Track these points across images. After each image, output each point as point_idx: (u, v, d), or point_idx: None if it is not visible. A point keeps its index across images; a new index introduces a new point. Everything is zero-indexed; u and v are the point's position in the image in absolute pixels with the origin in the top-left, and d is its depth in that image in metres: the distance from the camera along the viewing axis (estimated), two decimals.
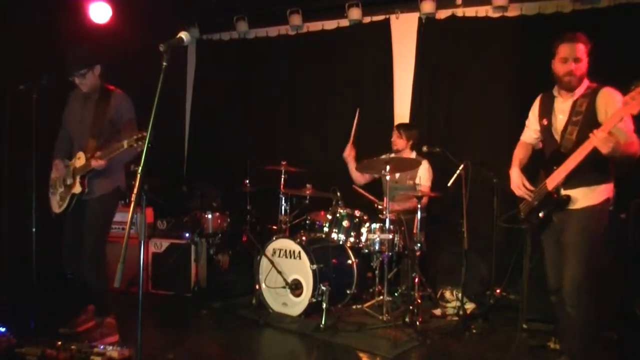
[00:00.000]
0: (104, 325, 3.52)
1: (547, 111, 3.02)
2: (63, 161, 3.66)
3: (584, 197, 2.82)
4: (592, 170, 2.77)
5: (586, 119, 2.80)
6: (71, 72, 3.54)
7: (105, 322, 3.54)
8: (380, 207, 4.43)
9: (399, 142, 4.86)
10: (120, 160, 3.56)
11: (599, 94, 2.80)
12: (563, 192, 2.85)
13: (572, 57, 2.82)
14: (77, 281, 3.71)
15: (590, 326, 2.84)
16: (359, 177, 5.05)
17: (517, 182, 3.06)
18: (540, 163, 3.07)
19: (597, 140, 2.58)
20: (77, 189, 3.51)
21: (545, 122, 3.02)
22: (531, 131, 3.21)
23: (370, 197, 4.69)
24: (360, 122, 4.92)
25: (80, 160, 3.53)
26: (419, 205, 4.24)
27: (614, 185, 2.90)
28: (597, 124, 2.72)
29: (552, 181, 2.87)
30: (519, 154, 3.22)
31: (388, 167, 4.14)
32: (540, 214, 2.96)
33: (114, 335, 3.50)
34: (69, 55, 3.54)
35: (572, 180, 2.81)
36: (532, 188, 3.00)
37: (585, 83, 2.89)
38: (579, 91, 2.88)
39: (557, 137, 2.94)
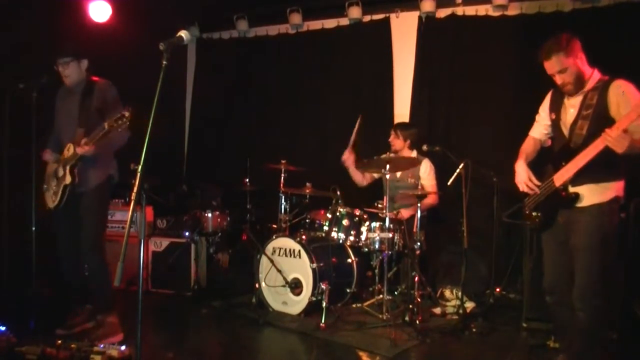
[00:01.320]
0: (105, 325, 3.48)
1: (557, 105, 2.93)
2: (53, 154, 3.66)
3: (591, 195, 2.71)
4: (602, 167, 2.63)
5: (597, 113, 2.68)
6: (55, 58, 3.53)
7: (107, 321, 3.50)
8: (382, 209, 4.40)
9: (396, 142, 4.85)
10: (111, 146, 3.53)
11: (611, 87, 2.68)
12: (571, 189, 2.75)
13: (555, 71, 2.75)
14: (73, 281, 3.71)
15: (597, 328, 2.78)
16: (360, 179, 5.02)
17: (523, 176, 2.94)
18: (547, 159, 2.96)
19: (612, 139, 2.46)
20: (68, 179, 3.48)
21: (553, 116, 2.93)
22: (541, 126, 3.10)
23: (376, 210, 4.63)
24: (362, 126, 4.87)
25: (69, 150, 3.52)
26: (419, 204, 4.23)
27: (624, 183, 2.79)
28: (608, 118, 2.62)
29: (560, 177, 2.76)
30: (526, 149, 3.11)
31: (388, 166, 4.14)
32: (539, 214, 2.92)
33: (118, 335, 3.45)
34: (58, 43, 3.55)
35: (580, 176, 2.70)
36: (538, 183, 2.90)
37: (596, 76, 2.77)
38: (589, 85, 2.76)
39: (566, 131, 2.83)
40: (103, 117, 3.46)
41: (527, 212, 3.01)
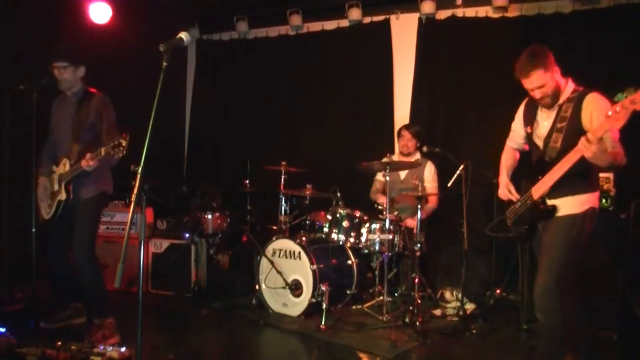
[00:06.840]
0: (105, 327, 3.49)
1: (531, 117, 2.95)
2: (48, 169, 3.64)
3: (568, 206, 2.75)
4: (577, 179, 2.69)
5: (571, 126, 2.70)
6: (52, 60, 3.51)
7: (106, 323, 3.51)
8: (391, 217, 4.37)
9: (411, 144, 4.85)
10: (105, 165, 3.49)
11: (585, 100, 2.69)
12: (548, 202, 2.79)
13: (534, 86, 2.74)
14: (64, 281, 3.73)
15: (555, 334, 2.73)
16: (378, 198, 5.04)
17: (504, 190, 3.05)
18: (526, 169, 3.03)
19: (587, 147, 2.40)
20: (63, 195, 3.49)
21: (529, 129, 2.96)
22: (516, 136, 3.16)
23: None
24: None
25: (65, 166, 3.50)
26: (419, 206, 4.23)
27: (599, 195, 2.84)
28: (581, 131, 2.60)
29: (538, 191, 2.81)
30: (507, 161, 3.20)
31: (388, 168, 4.14)
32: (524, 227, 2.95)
33: (115, 336, 3.48)
34: (57, 46, 3.52)
35: (557, 189, 2.74)
36: (518, 197, 2.96)
37: (570, 86, 2.78)
38: (564, 96, 2.77)
39: (541, 144, 2.86)
40: (95, 133, 3.50)
41: (509, 224, 3.06)
